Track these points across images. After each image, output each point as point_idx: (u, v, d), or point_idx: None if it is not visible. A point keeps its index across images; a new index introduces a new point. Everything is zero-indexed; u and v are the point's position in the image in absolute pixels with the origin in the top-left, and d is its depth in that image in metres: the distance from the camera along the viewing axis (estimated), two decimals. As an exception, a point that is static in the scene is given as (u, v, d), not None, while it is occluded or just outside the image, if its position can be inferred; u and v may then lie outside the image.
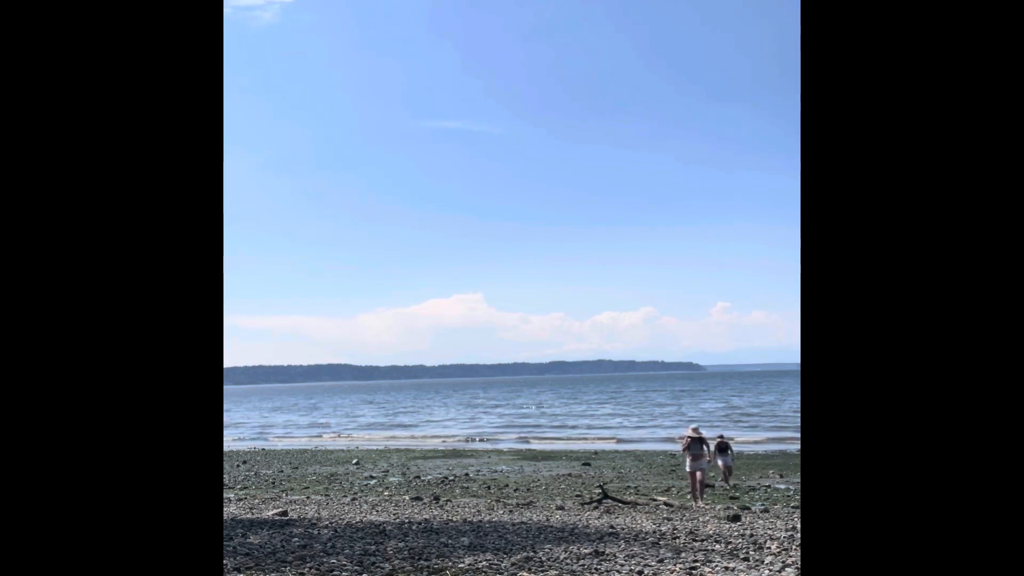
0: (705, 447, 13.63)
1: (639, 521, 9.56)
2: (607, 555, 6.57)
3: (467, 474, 17.74)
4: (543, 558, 6.45)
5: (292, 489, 14.97)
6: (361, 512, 10.48)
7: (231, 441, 32.80)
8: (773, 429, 32.06)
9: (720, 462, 15.45)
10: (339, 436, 36.57)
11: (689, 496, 13.39)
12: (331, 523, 9.04)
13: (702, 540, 7.49)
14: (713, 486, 14.71)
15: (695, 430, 14.06)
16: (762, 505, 12.05)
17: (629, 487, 14.76)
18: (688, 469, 13.62)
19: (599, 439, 30.82)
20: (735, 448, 16.59)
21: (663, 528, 8.57)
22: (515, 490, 14.60)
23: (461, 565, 6.16)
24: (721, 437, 16.39)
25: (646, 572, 5.91)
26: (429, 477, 17.18)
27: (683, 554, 6.65)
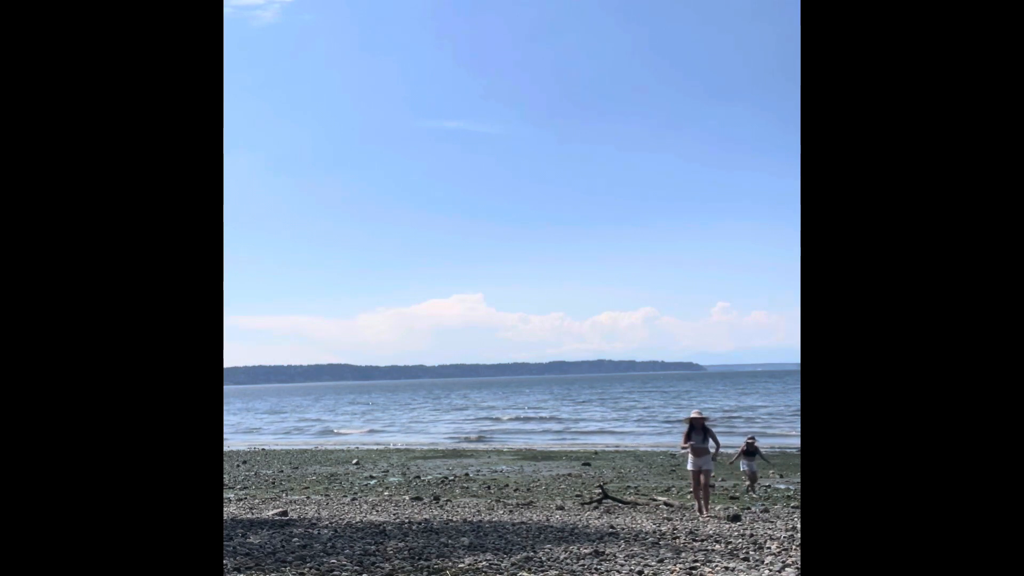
0: (711, 438, 10.73)
1: (639, 521, 9.55)
2: (607, 555, 6.57)
3: (467, 474, 17.73)
4: (543, 558, 6.45)
5: (292, 489, 14.96)
6: (361, 512, 10.48)
7: (231, 442, 32.81)
8: (773, 429, 32.04)
9: (744, 466, 13.43)
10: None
11: (690, 496, 12.96)
12: (331, 523, 9.04)
13: (702, 540, 7.48)
14: (714, 486, 14.57)
15: (698, 413, 11.10)
16: (762, 505, 12.04)
17: (629, 487, 14.73)
18: (689, 467, 10.83)
19: (588, 445, 30.79)
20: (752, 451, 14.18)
21: (663, 528, 8.57)
22: (515, 490, 14.59)
23: (461, 565, 6.15)
24: (752, 439, 13.85)
25: (646, 572, 5.91)
26: (429, 477, 17.17)
27: (683, 554, 6.65)
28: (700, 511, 10.65)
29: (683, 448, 11.05)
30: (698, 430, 10.85)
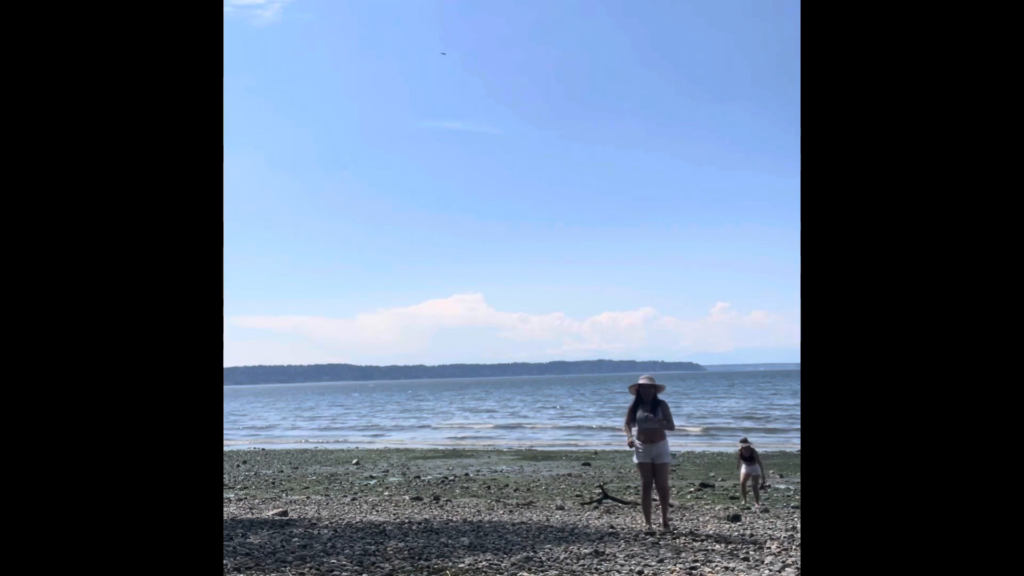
0: (664, 415, 7.59)
1: (639, 521, 9.54)
2: (607, 555, 6.57)
3: (467, 474, 17.73)
4: (543, 558, 6.45)
5: (292, 489, 14.96)
6: (361, 512, 10.48)
7: (231, 441, 32.83)
8: (773, 429, 32.06)
9: (745, 469, 12.13)
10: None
11: (690, 496, 12.83)
12: (331, 523, 9.03)
13: (702, 540, 7.48)
14: (713, 486, 14.57)
15: (648, 378, 7.75)
16: (762, 505, 12.03)
17: (629, 487, 14.71)
18: (636, 460, 7.77)
19: (588, 445, 30.81)
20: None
21: (668, 527, 8.56)
22: (515, 490, 14.59)
23: (461, 565, 6.15)
24: (744, 441, 12.63)
25: (646, 572, 5.91)
26: (429, 477, 17.18)
27: (683, 554, 6.65)
28: (648, 519, 7.90)
29: (629, 440, 7.70)
30: (647, 403, 7.46)
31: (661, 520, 7.84)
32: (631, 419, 7.69)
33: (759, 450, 13.46)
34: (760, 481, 12.22)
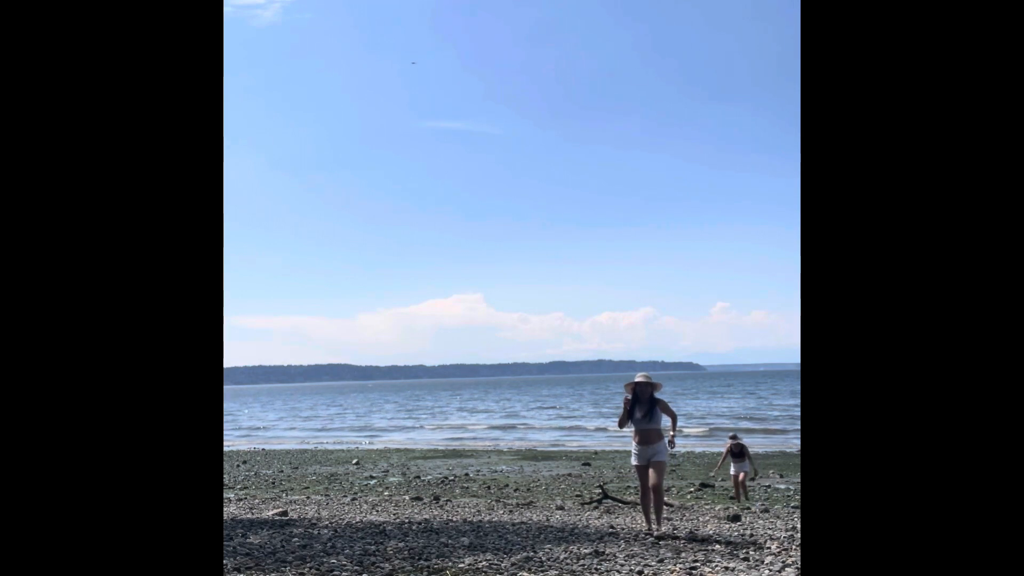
0: (666, 413, 7.53)
1: (639, 521, 9.54)
2: (607, 555, 6.57)
3: (467, 474, 17.74)
4: (543, 558, 6.45)
5: (292, 489, 14.97)
6: (361, 512, 10.48)
7: (231, 441, 32.84)
8: (773, 430, 32.07)
9: (732, 470, 12.08)
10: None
11: (691, 495, 12.86)
12: (331, 523, 9.03)
13: (702, 540, 7.48)
14: (715, 486, 14.56)
15: (645, 376, 7.55)
16: (762, 505, 12.02)
17: (629, 487, 14.71)
18: (634, 462, 7.66)
19: (588, 445, 30.83)
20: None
21: (663, 528, 8.56)
22: (515, 490, 14.60)
23: (461, 565, 6.15)
24: (734, 437, 12.39)
25: (646, 572, 5.91)
26: (429, 477, 17.18)
27: (683, 554, 6.65)
28: (648, 521, 7.70)
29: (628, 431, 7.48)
30: (643, 402, 7.32)
31: (657, 516, 7.70)
32: (628, 416, 7.54)
33: (760, 450, 13.38)
34: (750, 474, 12.13)
